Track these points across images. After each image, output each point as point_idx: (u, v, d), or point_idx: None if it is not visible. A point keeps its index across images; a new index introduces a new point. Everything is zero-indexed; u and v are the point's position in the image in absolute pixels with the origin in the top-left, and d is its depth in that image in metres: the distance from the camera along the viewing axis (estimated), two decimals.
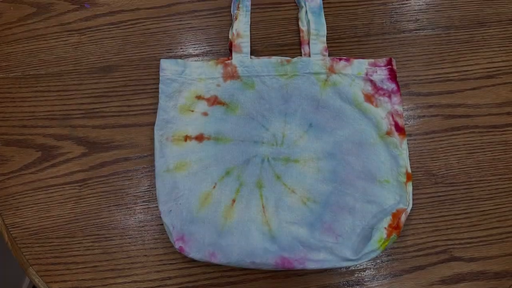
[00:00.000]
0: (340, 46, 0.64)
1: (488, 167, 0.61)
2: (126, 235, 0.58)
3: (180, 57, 0.63)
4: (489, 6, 0.67)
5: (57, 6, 0.65)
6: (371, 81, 0.60)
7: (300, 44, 0.64)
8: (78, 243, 0.57)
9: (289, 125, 0.59)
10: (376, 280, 0.58)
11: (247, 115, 0.59)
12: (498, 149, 0.62)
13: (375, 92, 0.60)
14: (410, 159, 0.60)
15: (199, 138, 0.58)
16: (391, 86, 0.60)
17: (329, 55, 0.63)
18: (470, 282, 0.58)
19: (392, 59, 0.60)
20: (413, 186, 0.59)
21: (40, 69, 0.62)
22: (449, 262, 0.58)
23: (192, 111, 0.58)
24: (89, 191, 0.58)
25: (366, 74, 0.60)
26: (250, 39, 0.63)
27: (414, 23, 0.66)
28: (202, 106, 0.59)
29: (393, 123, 0.58)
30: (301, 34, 0.64)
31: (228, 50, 0.63)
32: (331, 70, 0.60)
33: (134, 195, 0.59)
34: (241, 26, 0.62)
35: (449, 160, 0.61)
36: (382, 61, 0.60)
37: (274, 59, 0.60)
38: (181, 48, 0.64)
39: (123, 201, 0.58)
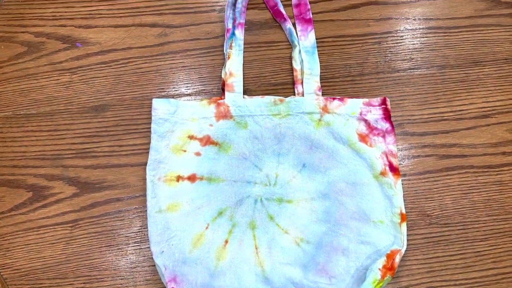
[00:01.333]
0: (334, 85, 0.77)
1: (483, 208, 0.72)
2: (118, 276, 0.69)
3: (173, 96, 0.76)
4: (484, 45, 0.80)
5: (48, 45, 0.77)
6: (365, 120, 0.72)
7: (293, 83, 0.76)
8: (69, 284, 0.68)
9: (282, 165, 0.71)
10: None
11: (240, 155, 0.71)
12: (493, 190, 0.73)
13: (369, 132, 0.72)
14: (404, 200, 0.71)
15: (192, 178, 0.69)
16: (386, 126, 0.72)
17: (323, 94, 0.75)
18: None
19: (387, 98, 0.72)
20: (407, 227, 0.71)
21: (31, 108, 0.74)
22: None
23: (185, 151, 0.70)
24: (80, 232, 0.70)
25: (360, 114, 0.72)
26: (243, 78, 0.75)
27: (408, 62, 0.78)
28: (195, 146, 0.70)
29: (387, 163, 0.70)
30: (294, 74, 0.76)
31: (221, 89, 0.75)
32: (325, 109, 0.72)
33: (126, 236, 0.70)
34: (234, 65, 0.74)
35: (443, 200, 0.73)
36: (377, 100, 0.73)
37: (267, 98, 0.72)
38: (174, 88, 0.76)
39: (115, 242, 0.69)
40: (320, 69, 0.75)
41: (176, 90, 0.76)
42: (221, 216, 0.68)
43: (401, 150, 0.75)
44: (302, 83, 0.75)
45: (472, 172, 0.74)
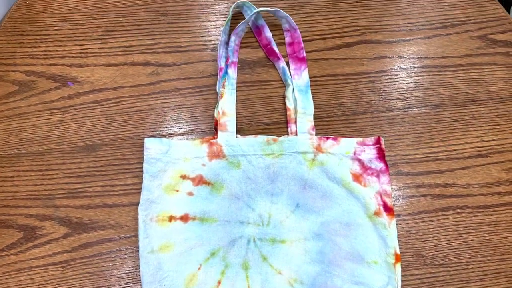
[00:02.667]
0: (328, 124, 0.91)
1: (478, 248, 0.85)
2: None
3: (165, 135, 0.89)
4: (479, 84, 0.94)
5: (40, 84, 0.92)
6: (359, 160, 0.85)
7: (286, 122, 0.90)
8: None
9: (276, 205, 0.83)
10: None
11: (232, 195, 0.83)
12: (488, 230, 0.86)
13: (363, 171, 0.85)
14: (399, 240, 0.84)
15: (184, 218, 0.82)
16: (380, 165, 0.85)
17: (317, 133, 0.89)
18: None
19: (381, 138, 0.86)
20: (402, 267, 0.83)
21: (22, 148, 0.88)
22: None
23: (177, 190, 0.83)
24: (72, 273, 0.82)
25: (354, 153, 0.85)
26: (236, 117, 0.89)
27: (403, 101, 0.93)
28: (187, 185, 0.83)
29: (381, 203, 0.83)
30: (287, 113, 0.90)
31: (214, 128, 0.89)
32: (319, 149, 0.85)
33: (118, 277, 0.82)
34: (227, 105, 0.88)
35: (438, 240, 0.85)
36: (371, 140, 0.86)
37: (261, 138, 0.85)
38: (166, 127, 0.90)
39: (107, 283, 0.82)
40: (314, 108, 0.89)
41: (169, 129, 0.90)
42: (214, 257, 0.80)
43: (396, 190, 0.88)
44: (295, 122, 0.88)
45: (467, 212, 0.87)
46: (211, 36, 0.97)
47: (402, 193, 0.88)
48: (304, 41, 0.95)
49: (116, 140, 0.89)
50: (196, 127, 0.90)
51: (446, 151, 0.90)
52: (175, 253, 0.80)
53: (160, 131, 0.90)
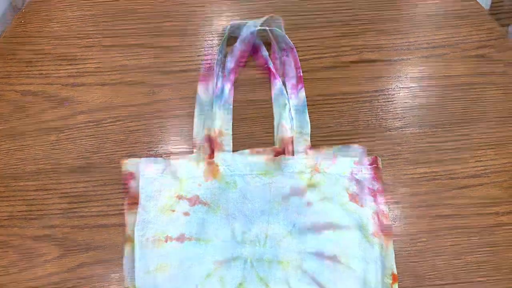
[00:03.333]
0: (325, 144, 0.95)
1: (476, 269, 0.88)
2: None
3: (161, 155, 0.95)
4: (476, 104, 0.99)
5: (35, 104, 0.97)
6: (356, 180, 0.90)
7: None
8: None
9: (272, 225, 0.87)
10: None
11: (229, 215, 0.87)
12: (486, 251, 0.89)
13: (360, 191, 0.89)
14: (396, 261, 0.87)
15: (180, 239, 0.86)
16: (377, 185, 0.90)
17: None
18: None
19: (378, 158, 0.91)
20: (397, 256, 0.87)
21: (17, 168, 0.93)
22: None
23: (173, 211, 0.87)
24: None
25: (351, 173, 0.90)
26: (233, 137, 0.95)
27: (400, 120, 0.98)
28: (184, 206, 0.87)
29: (379, 223, 0.88)
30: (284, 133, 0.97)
31: (210, 148, 0.94)
32: (315, 169, 0.90)
33: None
34: (223, 124, 0.94)
35: (435, 261, 0.89)
36: (368, 159, 0.91)
37: (257, 157, 0.91)
38: (162, 147, 0.95)
39: None
40: (311, 128, 0.94)
41: (165, 149, 0.95)
42: (210, 277, 0.83)
43: (393, 210, 0.92)
44: (292, 142, 0.93)
45: (465, 233, 0.90)
46: (207, 55, 1.03)
47: (400, 213, 0.92)
48: (300, 60, 1.00)
49: (112, 160, 0.94)
50: (192, 147, 0.95)
51: (443, 170, 0.95)
52: (171, 273, 0.84)
53: (157, 150, 0.95)
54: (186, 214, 0.88)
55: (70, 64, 1.00)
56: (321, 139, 0.97)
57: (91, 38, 1.03)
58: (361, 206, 0.89)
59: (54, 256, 0.89)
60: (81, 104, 0.98)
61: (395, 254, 0.88)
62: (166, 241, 0.86)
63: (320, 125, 0.98)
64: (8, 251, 0.89)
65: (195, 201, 0.88)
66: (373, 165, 0.91)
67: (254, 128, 0.97)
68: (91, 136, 0.96)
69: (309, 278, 0.85)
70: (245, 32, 1.00)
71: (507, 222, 0.92)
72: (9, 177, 0.93)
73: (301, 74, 0.99)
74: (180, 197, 0.88)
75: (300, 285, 0.85)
